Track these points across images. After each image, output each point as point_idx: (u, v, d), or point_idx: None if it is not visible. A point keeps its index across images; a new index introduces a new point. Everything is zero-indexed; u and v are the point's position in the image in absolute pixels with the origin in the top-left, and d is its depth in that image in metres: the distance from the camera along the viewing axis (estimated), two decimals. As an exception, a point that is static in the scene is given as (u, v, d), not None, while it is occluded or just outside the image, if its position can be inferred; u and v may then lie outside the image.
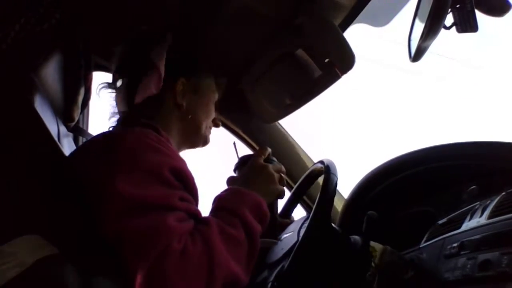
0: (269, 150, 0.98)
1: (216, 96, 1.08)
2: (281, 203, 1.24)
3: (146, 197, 0.71)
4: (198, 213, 0.80)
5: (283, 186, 0.94)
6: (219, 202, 0.83)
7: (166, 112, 0.97)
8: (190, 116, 0.99)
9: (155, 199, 0.72)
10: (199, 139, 1.04)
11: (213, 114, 1.07)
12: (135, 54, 0.98)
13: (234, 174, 1.03)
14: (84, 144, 0.94)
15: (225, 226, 0.76)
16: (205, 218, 0.79)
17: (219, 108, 1.11)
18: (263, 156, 0.95)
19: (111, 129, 0.99)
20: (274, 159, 0.99)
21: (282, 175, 0.95)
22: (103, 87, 1.03)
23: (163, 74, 0.92)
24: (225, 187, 0.92)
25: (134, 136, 0.80)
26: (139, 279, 0.67)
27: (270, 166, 0.92)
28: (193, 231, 0.73)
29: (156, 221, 0.70)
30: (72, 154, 0.87)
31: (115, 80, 1.02)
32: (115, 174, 0.72)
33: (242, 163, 1.00)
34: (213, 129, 1.10)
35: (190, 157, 1.04)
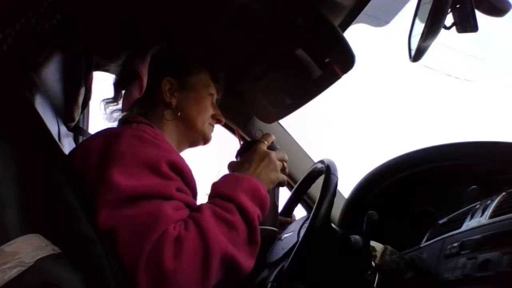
0: (273, 137, 0.97)
1: (211, 91, 1.07)
2: (281, 202, 1.24)
3: (143, 188, 0.73)
4: (194, 204, 0.80)
5: (285, 175, 0.93)
6: (215, 188, 0.84)
7: (159, 112, 1.00)
8: (179, 113, 1.00)
9: (152, 189, 0.73)
10: (196, 136, 1.04)
11: (209, 109, 1.05)
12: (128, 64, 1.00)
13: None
14: (83, 142, 0.95)
15: (218, 211, 0.76)
16: (198, 205, 0.80)
17: (219, 107, 1.11)
18: (266, 143, 0.94)
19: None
20: (278, 147, 0.98)
21: (285, 163, 0.94)
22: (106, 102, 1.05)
23: (145, 80, 0.94)
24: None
25: (131, 131, 0.82)
26: (137, 265, 0.67)
27: (272, 153, 0.91)
28: (186, 218, 0.75)
29: (153, 209, 0.71)
30: (71, 152, 0.88)
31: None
32: (113, 167, 0.74)
33: (245, 149, 0.99)
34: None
35: (190, 156, 1.05)
